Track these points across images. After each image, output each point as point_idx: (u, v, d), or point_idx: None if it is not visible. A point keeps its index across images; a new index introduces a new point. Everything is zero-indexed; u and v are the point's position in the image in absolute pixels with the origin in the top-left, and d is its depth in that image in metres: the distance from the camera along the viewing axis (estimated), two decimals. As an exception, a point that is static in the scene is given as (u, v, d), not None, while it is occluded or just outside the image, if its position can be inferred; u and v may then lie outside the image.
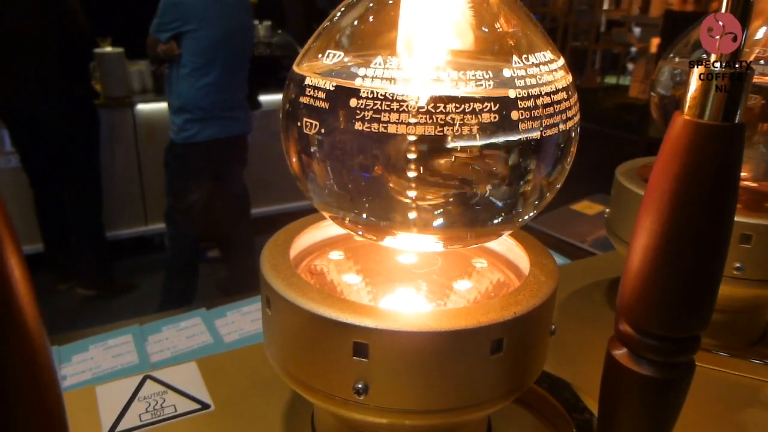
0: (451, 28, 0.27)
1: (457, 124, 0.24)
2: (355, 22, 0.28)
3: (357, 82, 0.25)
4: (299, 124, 0.26)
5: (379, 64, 0.25)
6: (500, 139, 0.25)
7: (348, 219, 0.29)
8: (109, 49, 2.14)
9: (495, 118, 0.24)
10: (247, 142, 1.73)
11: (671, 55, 0.49)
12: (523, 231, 0.33)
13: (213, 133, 1.60)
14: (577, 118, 0.28)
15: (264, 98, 2.18)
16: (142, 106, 2.20)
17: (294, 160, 0.29)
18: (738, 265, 0.41)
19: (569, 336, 0.48)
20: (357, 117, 0.25)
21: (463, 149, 0.25)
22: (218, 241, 2.07)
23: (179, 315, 0.64)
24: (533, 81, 0.26)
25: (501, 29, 0.27)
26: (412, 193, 0.26)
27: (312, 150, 0.27)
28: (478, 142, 0.25)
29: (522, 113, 0.25)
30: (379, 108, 0.24)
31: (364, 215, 0.28)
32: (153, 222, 2.28)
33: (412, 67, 0.25)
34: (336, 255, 0.35)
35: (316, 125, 0.26)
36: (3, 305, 0.17)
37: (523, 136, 0.25)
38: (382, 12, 0.28)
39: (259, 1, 2.84)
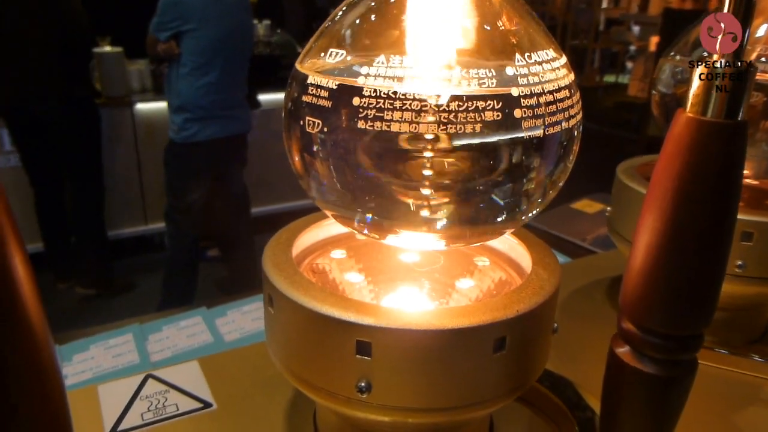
0: (454, 27, 0.27)
1: (460, 123, 0.24)
2: (358, 21, 0.28)
3: (360, 81, 0.25)
4: (302, 122, 0.26)
5: (382, 63, 0.25)
6: (503, 137, 0.25)
7: (350, 217, 0.29)
8: (108, 48, 2.14)
9: (498, 116, 0.24)
10: (246, 141, 1.73)
11: (672, 53, 0.49)
12: (524, 229, 0.33)
13: (213, 133, 1.60)
14: (579, 116, 0.28)
15: (263, 97, 2.18)
16: (141, 106, 2.20)
17: (296, 158, 0.29)
18: (739, 262, 0.41)
19: (570, 334, 0.48)
20: (360, 115, 0.25)
21: (466, 147, 0.25)
22: (218, 241, 2.06)
23: (179, 314, 0.64)
24: (536, 79, 0.26)
25: (504, 27, 0.27)
26: (414, 192, 0.26)
27: (314, 148, 0.27)
28: (481, 141, 0.25)
29: (525, 111, 0.25)
30: (382, 106, 0.24)
31: (367, 213, 0.28)
32: (153, 221, 2.28)
33: (414, 66, 0.25)
34: (338, 253, 0.35)
35: (318, 124, 0.26)
36: (7, 303, 0.17)
37: (526, 134, 0.25)
38: (384, 10, 0.28)
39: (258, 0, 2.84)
